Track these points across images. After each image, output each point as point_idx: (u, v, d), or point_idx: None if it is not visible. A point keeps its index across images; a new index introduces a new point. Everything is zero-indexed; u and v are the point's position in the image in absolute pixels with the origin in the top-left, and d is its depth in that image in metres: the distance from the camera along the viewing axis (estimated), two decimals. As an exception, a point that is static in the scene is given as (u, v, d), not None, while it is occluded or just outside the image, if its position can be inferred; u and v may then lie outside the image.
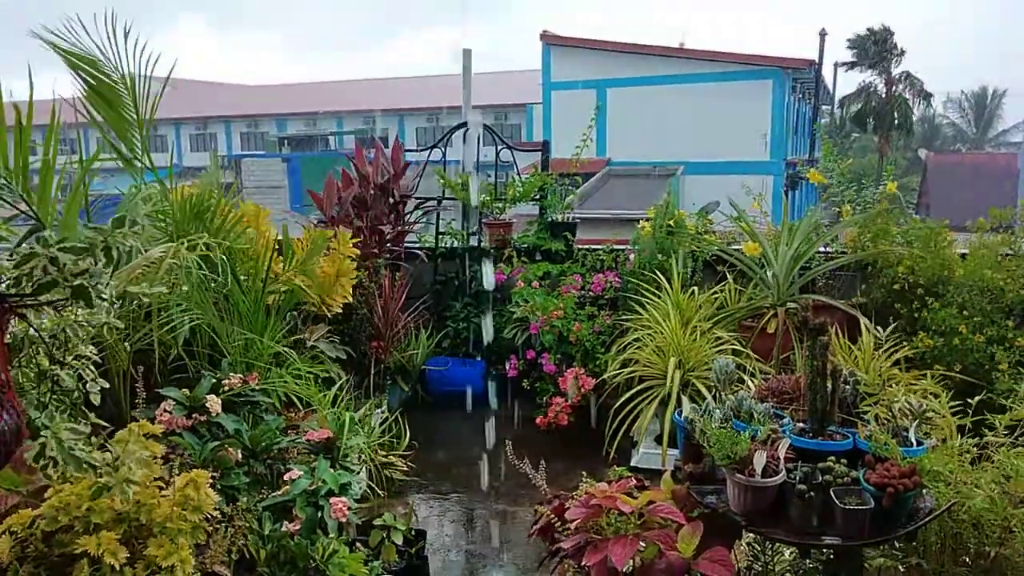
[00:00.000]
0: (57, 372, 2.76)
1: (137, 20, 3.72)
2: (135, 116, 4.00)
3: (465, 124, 6.57)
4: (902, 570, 2.73)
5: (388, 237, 5.82)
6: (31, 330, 2.67)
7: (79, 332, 2.74)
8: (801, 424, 2.77)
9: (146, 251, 3.63)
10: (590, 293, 5.58)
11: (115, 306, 3.34)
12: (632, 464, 4.72)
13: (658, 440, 4.60)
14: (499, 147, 6.46)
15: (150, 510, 2.07)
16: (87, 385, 2.88)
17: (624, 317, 5.35)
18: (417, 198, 6.49)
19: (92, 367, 2.92)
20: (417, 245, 6.53)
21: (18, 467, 2.48)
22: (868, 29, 35.61)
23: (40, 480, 2.39)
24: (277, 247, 4.39)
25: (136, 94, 3.95)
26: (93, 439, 2.56)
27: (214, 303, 3.95)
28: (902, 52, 35.27)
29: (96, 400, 2.90)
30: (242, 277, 4.11)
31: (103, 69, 3.81)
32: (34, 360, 2.85)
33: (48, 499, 2.09)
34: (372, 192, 5.81)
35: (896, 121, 35.37)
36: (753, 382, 3.49)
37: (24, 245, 2.69)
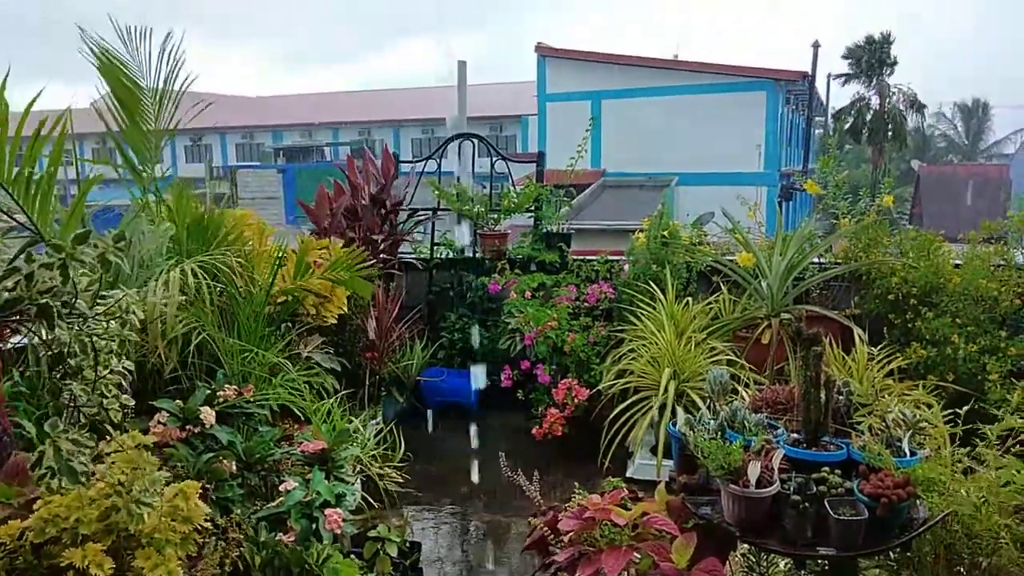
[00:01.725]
0: (72, 386, 2.70)
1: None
2: (152, 127, 4.02)
3: (459, 136, 6.60)
4: (896, 581, 2.72)
5: (381, 247, 5.82)
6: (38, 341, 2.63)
7: (110, 345, 2.68)
8: (795, 434, 2.77)
9: (145, 264, 3.64)
10: (585, 304, 5.58)
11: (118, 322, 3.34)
12: (627, 475, 4.71)
13: (653, 451, 4.60)
14: (494, 158, 6.48)
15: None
16: (105, 402, 2.81)
17: (619, 328, 5.35)
18: (412, 209, 6.50)
19: (123, 382, 2.86)
20: (412, 255, 6.54)
21: (9, 479, 2.47)
22: (867, 38, 35.82)
23: (31, 492, 2.38)
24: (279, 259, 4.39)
25: (160, 104, 3.98)
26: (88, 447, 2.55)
27: (211, 314, 3.94)
28: (895, 63, 35.49)
29: (117, 417, 2.83)
30: (240, 287, 4.11)
31: (132, 76, 3.84)
32: (48, 373, 2.81)
33: (37, 511, 2.08)
34: (363, 202, 5.81)
35: (889, 132, 35.58)
36: (747, 392, 3.50)
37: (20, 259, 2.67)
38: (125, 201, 4.19)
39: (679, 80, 24.21)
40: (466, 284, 6.32)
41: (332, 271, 4.48)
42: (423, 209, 6.54)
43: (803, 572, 2.78)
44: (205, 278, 3.64)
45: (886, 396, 3.19)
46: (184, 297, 3.53)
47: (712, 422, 2.79)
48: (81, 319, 2.42)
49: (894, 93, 35.85)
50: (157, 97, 3.97)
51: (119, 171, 4.08)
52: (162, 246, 3.70)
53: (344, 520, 3.08)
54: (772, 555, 2.89)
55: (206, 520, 2.28)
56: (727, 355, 4.77)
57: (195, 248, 3.92)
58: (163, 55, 3.86)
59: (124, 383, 2.87)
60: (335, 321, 4.77)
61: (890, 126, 35.40)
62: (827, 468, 2.52)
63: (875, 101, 36.18)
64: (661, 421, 4.40)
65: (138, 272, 3.61)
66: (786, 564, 2.92)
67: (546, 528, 2.86)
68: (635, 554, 2.45)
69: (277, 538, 2.90)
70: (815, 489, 2.42)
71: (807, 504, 2.38)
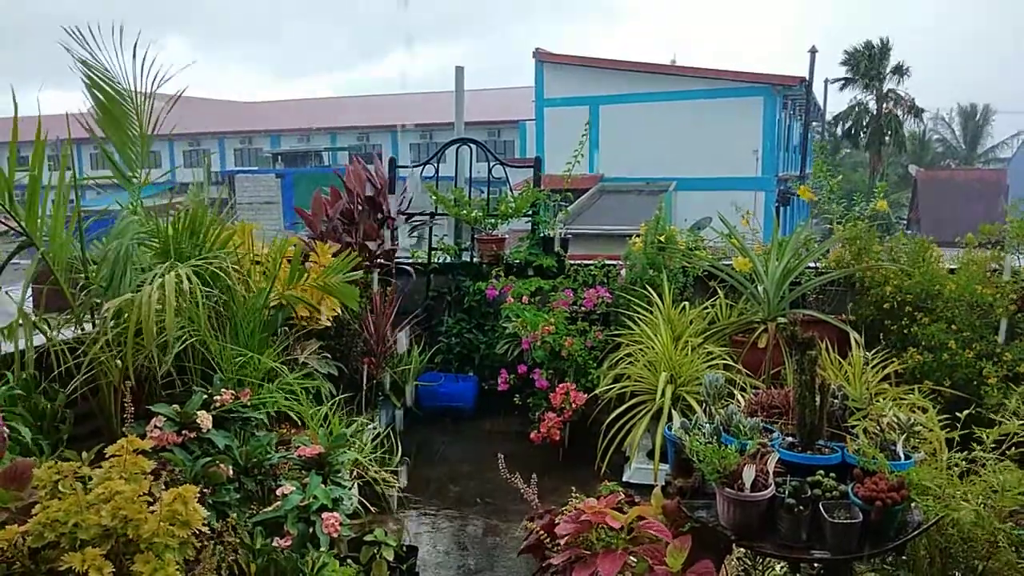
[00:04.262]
0: None
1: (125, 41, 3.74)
2: (138, 131, 4.02)
3: (457, 141, 6.62)
4: (892, 584, 2.73)
5: (378, 252, 5.82)
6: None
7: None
8: (790, 438, 2.78)
9: (144, 270, 3.64)
10: (582, 308, 5.60)
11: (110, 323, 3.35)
12: (624, 479, 4.72)
13: (650, 455, 4.61)
14: (491, 163, 6.50)
15: (137, 525, 2.06)
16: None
17: (616, 332, 5.36)
18: (409, 213, 6.52)
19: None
20: (409, 260, 6.55)
21: (7, 484, 2.47)
22: (865, 43, 35.91)
23: (29, 497, 2.38)
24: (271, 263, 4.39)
25: (141, 109, 3.97)
26: (83, 454, 2.56)
27: (207, 319, 3.94)
28: (900, 70, 35.55)
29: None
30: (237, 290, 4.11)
31: (114, 84, 3.84)
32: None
33: (35, 515, 2.08)
34: (360, 207, 5.82)
35: (887, 137, 35.69)
36: (743, 396, 3.50)
37: None
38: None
39: (677, 85, 24.26)
40: (464, 289, 6.33)
41: (325, 277, 4.49)
42: (420, 214, 6.55)
43: (798, 575, 2.79)
44: (197, 283, 3.64)
45: (881, 400, 3.20)
46: (178, 301, 3.53)
47: (708, 426, 2.80)
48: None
49: (892, 98, 35.96)
50: (140, 102, 3.97)
51: (109, 178, 4.09)
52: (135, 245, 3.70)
53: (341, 524, 3.08)
54: (767, 558, 2.91)
55: (203, 524, 2.29)
56: (724, 359, 4.78)
57: (189, 252, 3.91)
58: (143, 59, 3.86)
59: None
60: (328, 324, 4.77)
61: (887, 130, 35.51)
62: (822, 472, 2.54)
63: (872, 106, 36.29)
64: (658, 425, 4.41)
65: (132, 276, 3.61)
66: (781, 568, 2.93)
67: (543, 532, 2.86)
68: (631, 558, 2.46)
69: (274, 543, 2.90)
70: (810, 492, 2.43)
71: (802, 507, 2.39)
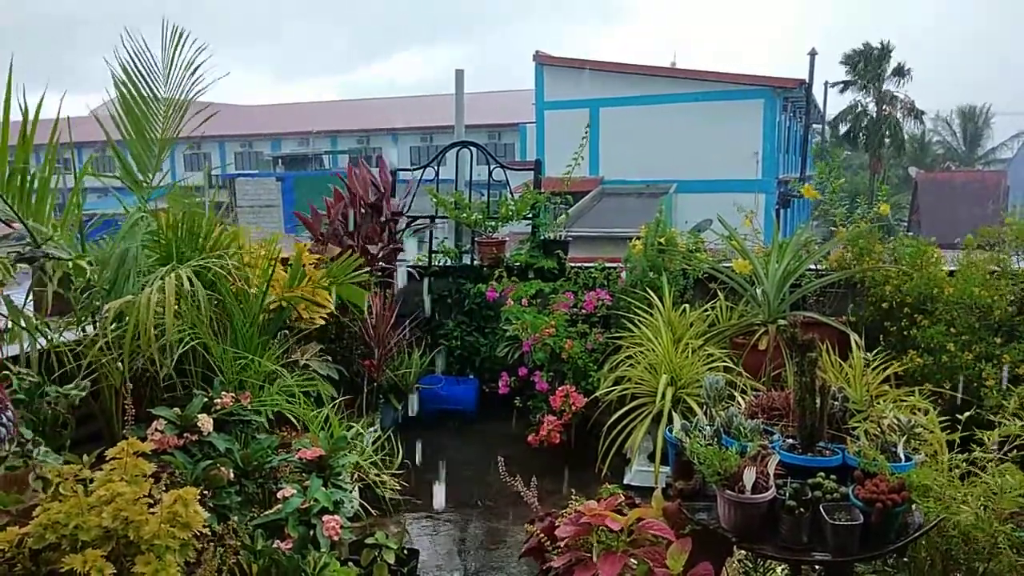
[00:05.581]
0: None
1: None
2: (157, 135, 4.03)
3: (457, 144, 6.63)
4: (893, 586, 2.73)
5: (379, 256, 5.83)
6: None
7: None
8: (791, 440, 2.78)
9: (145, 273, 3.65)
10: (582, 311, 5.60)
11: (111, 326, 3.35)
12: (625, 482, 4.72)
13: (651, 457, 4.61)
14: (492, 166, 6.50)
15: (138, 527, 2.06)
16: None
17: (616, 335, 5.36)
18: (410, 216, 6.53)
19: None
20: (410, 263, 6.56)
21: (8, 487, 2.47)
22: (864, 44, 35.94)
23: (30, 500, 2.38)
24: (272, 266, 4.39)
25: (168, 114, 3.99)
26: (84, 457, 2.57)
27: (208, 321, 3.94)
28: (901, 72, 35.56)
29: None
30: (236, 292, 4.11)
31: (152, 85, 3.87)
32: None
33: (37, 517, 2.09)
34: (362, 210, 5.82)
35: (887, 139, 35.70)
36: (744, 398, 3.51)
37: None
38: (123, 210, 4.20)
39: (677, 88, 24.31)
40: (464, 291, 6.33)
41: (326, 278, 4.49)
42: (421, 217, 6.56)
43: (799, 578, 2.79)
44: (199, 284, 3.64)
45: (881, 402, 3.20)
46: (179, 304, 3.54)
47: (708, 428, 2.80)
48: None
49: (891, 100, 35.98)
50: (169, 106, 3.99)
51: (114, 180, 4.10)
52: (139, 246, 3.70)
53: (342, 527, 3.08)
54: (768, 561, 2.91)
55: (204, 527, 2.29)
56: (724, 362, 4.78)
57: (189, 254, 3.92)
58: (182, 62, 3.88)
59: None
60: (323, 323, 4.75)
61: (887, 132, 35.52)
62: (823, 473, 2.53)
63: (872, 108, 36.31)
64: (659, 428, 4.41)
65: (134, 279, 3.62)
66: (782, 570, 2.93)
67: (543, 534, 2.86)
68: (631, 560, 2.46)
69: (275, 545, 2.91)
70: (811, 494, 2.43)
71: (803, 509, 2.39)
